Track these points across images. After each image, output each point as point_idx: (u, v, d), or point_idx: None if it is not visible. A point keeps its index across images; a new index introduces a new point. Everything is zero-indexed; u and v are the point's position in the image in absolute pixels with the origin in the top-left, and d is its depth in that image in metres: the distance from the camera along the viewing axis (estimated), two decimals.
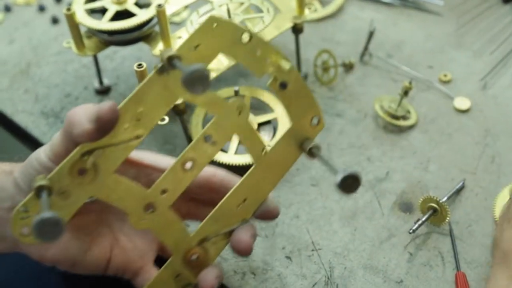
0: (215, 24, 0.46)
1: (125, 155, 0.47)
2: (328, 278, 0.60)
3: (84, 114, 0.45)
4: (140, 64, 0.60)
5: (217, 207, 0.52)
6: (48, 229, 0.39)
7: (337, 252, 0.62)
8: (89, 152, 0.45)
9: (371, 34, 0.81)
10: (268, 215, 0.54)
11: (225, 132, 0.50)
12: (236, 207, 0.52)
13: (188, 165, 0.50)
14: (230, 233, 0.52)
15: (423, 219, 0.61)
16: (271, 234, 0.63)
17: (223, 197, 0.52)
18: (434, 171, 0.68)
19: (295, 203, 0.66)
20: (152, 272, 0.53)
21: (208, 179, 0.54)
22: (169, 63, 0.43)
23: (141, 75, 0.60)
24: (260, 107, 0.72)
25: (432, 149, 0.71)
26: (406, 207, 0.65)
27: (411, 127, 0.73)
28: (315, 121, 0.52)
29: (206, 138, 0.49)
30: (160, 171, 0.51)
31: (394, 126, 0.73)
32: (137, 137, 0.46)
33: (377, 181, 0.68)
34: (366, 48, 0.82)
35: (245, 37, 0.47)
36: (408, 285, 0.59)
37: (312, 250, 0.62)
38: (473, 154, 0.70)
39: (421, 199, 0.62)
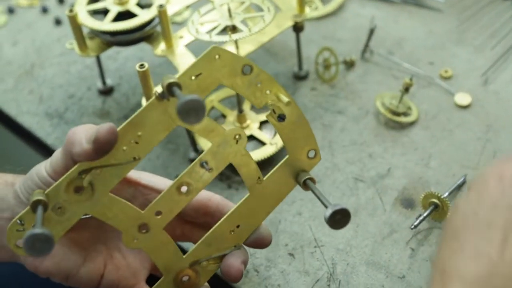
0: (217, 55, 0.47)
1: (121, 176, 0.48)
2: (330, 274, 0.60)
3: (83, 134, 0.46)
4: (142, 65, 0.60)
5: (210, 231, 0.53)
6: (38, 245, 0.40)
7: (339, 248, 0.62)
8: (87, 171, 0.46)
9: (371, 31, 0.81)
10: (261, 242, 0.55)
11: (221, 159, 0.51)
12: (229, 233, 0.53)
13: (184, 189, 0.50)
14: (222, 257, 0.54)
15: (425, 214, 0.62)
16: (274, 232, 0.64)
17: (217, 221, 0.53)
18: (435, 167, 0.69)
19: (297, 200, 0.66)
20: None
21: (204, 203, 0.55)
22: (168, 90, 0.44)
23: (143, 75, 0.61)
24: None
25: (433, 145, 0.71)
26: (407, 203, 0.66)
27: (412, 123, 0.74)
28: (311, 154, 0.53)
29: (202, 164, 0.50)
30: (157, 192, 0.52)
31: (395, 122, 0.74)
32: (135, 159, 0.47)
33: (378, 178, 0.68)
34: (367, 45, 0.82)
35: (246, 69, 0.48)
36: (410, 281, 0.59)
37: (315, 246, 0.62)
38: (474, 149, 0.70)
39: (423, 195, 0.63)
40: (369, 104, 0.76)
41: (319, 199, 0.49)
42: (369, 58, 0.83)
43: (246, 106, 0.72)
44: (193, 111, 0.39)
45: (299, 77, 0.81)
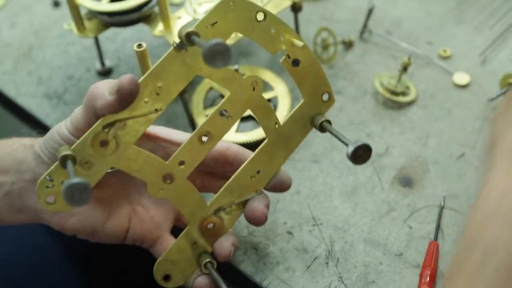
0: (231, 3, 0.48)
1: (144, 128, 0.49)
2: (329, 252, 0.61)
3: (105, 87, 0.48)
4: (139, 44, 0.60)
5: (232, 178, 0.54)
6: (77, 194, 0.41)
7: (337, 226, 0.63)
8: (111, 125, 0.48)
9: (370, 12, 0.81)
10: (281, 186, 0.57)
11: (239, 106, 0.52)
12: (250, 179, 0.55)
13: (205, 138, 0.52)
14: (244, 203, 0.55)
15: (503, 91, 0.69)
16: (273, 210, 0.64)
17: (235, 169, 0.54)
18: (433, 146, 0.69)
19: (296, 179, 0.67)
20: (169, 242, 0.55)
21: (223, 153, 0.56)
22: (187, 40, 0.45)
23: (141, 55, 0.61)
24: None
25: (431, 124, 0.71)
26: (405, 182, 0.66)
27: (410, 103, 0.74)
28: (325, 97, 0.55)
29: (222, 112, 0.52)
30: (176, 144, 0.53)
31: (394, 102, 0.74)
32: (156, 110, 0.49)
33: (377, 157, 0.68)
34: (365, 26, 0.82)
35: (260, 16, 0.49)
36: (407, 258, 0.59)
37: (313, 225, 0.63)
38: (472, 128, 0.71)
39: (502, 76, 0.72)
40: (368, 84, 0.76)
41: (338, 138, 0.51)
42: (368, 38, 0.83)
43: None
44: (219, 55, 0.40)
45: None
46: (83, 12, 0.72)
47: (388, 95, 0.73)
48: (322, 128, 0.54)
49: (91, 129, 0.47)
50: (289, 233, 0.62)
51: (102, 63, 0.81)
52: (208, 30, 0.48)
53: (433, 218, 0.62)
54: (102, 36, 0.82)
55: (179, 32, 0.45)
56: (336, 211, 0.64)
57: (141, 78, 0.47)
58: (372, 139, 0.70)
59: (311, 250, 0.61)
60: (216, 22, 0.48)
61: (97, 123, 0.47)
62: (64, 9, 0.91)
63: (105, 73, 0.81)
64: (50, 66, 0.83)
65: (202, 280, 0.54)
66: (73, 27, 0.73)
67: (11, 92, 0.80)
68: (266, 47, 0.51)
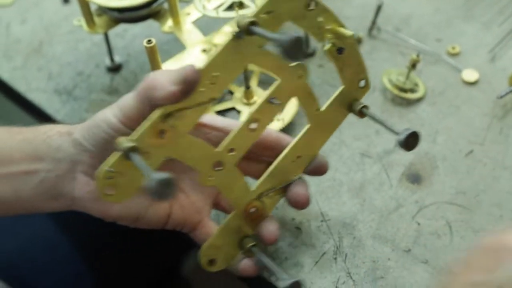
0: None
1: (199, 117, 0.49)
2: (337, 247, 0.61)
3: (166, 78, 0.47)
4: (149, 40, 0.60)
5: (275, 163, 0.56)
6: (165, 190, 0.40)
7: (346, 222, 0.63)
8: (170, 114, 0.47)
9: (379, 8, 0.81)
10: (321, 169, 0.58)
11: (286, 94, 0.53)
12: (291, 163, 0.56)
13: (254, 125, 0.53)
14: (284, 188, 0.57)
15: None
16: (281, 206, 0.64)
17: (275, 154, 0.56)
18: (442, 143, 0.69)
19: (304, 176, 0.67)
20: (209, 226, 0.56)
21: (264, 138, 0.56)
22: (247, 29, 0.46)
23: (150, 51, 0.61)
24: (269, 81, 0.73)
25: (440, 121, 0.71)
26: (414, 178, 0.66)
27: (419, 99, 0.74)
28: (362, 83, 0.57)
29: (271, 100, 0.53)
30: (217, 129, 0.54)
31: (402, 99, 0.74)
32: (212, 99, 0.49)
33: (385, 153, 0.69)
34: (374, 23, 0.82)
35: (311, 4, 0.51)
36: (416, 254, 0.60)
37: (321, 221, 0.63)
38: (481, 125, 0.71)
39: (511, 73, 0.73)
40: (376, 81, 0.76)
41: (383, 125, 0.53)
42: (376, 35, 0.83)
43: (253, 83, 0.73)
44: (298, 49, 0.40)
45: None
46: (93, 8, 0.73)
47: (396, 91, 0.73)
48: (361, 114, 0.56)
49: (150, 119, 0.47)
50: (298, 228, 0.63)
51: (112, 59, 0.81)
52: (263, 18, 0.48)
53: (441, 214, 0.62)
54: (112, 32, 0.82)
55: (239, 21, 0.46)
56: (345, 207, 0.64)
57: (202, 67, 0.47)
58: (381, 135, 0.70)
59: (319, 246, 0.61)
60: (272, 11, 0.48)
61: (156, 113, 0.47)
62: (74, 5, 0.91)
63: (115, 69, 0.81)
64: (60, 62, 0.84)
65: (247, 262, 0.55)
66: (83, 23, 0.73)
67: (21, 88, 0.80)
68: (314, 35, 0.52)
